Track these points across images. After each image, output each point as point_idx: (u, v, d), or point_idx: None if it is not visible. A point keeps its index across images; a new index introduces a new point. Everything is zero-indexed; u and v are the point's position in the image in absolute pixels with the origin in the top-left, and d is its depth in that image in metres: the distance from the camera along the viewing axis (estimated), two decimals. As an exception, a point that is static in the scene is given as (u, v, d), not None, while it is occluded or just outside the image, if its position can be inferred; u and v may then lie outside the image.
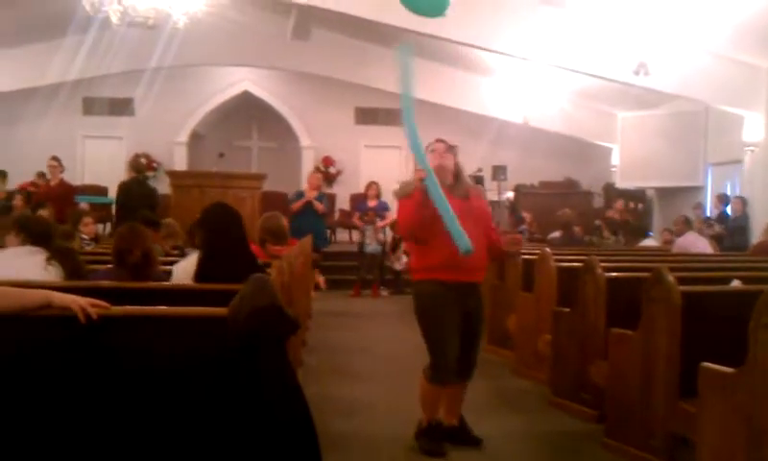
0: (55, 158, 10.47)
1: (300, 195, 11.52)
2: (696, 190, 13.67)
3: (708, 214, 12.87)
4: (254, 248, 4.65)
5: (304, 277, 7.81)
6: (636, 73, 9.36)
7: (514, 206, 15.57)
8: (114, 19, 8.77)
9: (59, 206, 9.07)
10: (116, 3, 8.58)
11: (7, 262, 4.12)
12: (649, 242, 10.18)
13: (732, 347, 3.38)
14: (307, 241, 9.14)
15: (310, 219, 11.02)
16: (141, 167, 10.36)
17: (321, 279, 11.35)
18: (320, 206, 11.20)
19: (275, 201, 14.04)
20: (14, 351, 2.74)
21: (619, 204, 14.24)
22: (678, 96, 12.28)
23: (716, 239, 10.58)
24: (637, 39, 9.08)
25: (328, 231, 13.50)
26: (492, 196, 15.51)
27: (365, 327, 8.93)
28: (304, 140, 17.05)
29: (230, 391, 2.77)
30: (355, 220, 12.23)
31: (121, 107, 16.50)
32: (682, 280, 4.16)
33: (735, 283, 5.04)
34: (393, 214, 12.06)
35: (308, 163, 16.92)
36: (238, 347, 2.75)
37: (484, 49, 11.32)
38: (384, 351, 7.47)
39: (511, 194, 15.89)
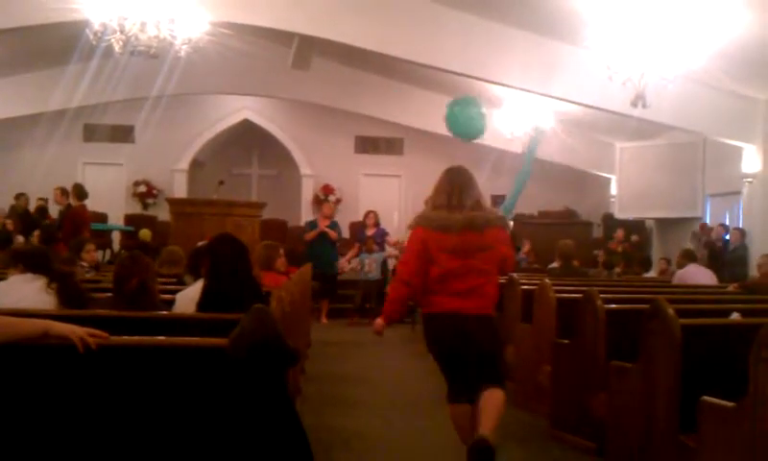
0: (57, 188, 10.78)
1: (312, 225, 11.90)
2: (695, 221, 13.69)
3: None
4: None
5: (304, 306, 7.80)
6: (634, 105, 9.39)
7: (513, 236, 15.58)
8: (117, 48, 8.81)
9: (74, 234, 9.12)
10: (119, 32, 8.62)
11: (7, 291, 4.14)
12: (648, 273, 10.21)
13: (733, 380, 3.38)
14: (307, 269, 9.14)
15: (325, 247, 11.48)
16: (84, 193, 10.61)
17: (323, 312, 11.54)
18: (333, 234, 11.75)
19: (274, 229, 14.10)
20: (13, 380, 2.74)
21: (619, 234, 14.24)
22: (676, 127, 12.35)
23: (713, 256, 10.60)
24: (635, 71, 9.15)
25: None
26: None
27: (364, 357, 8.90)
28: (304, 169, 17.11)
29: (229, 421, 2.76)
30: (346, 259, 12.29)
31: (122, 134, 16.58)
32: (681, 313, 4.16)
33: (735, 316, 5.04)
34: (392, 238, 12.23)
35: (308, 191, 17.01)
36: (238, 377, 2.75)
37: (483, 80, 11.39)
38: (383, 381, 7.44)
39: (510, 223, 15.91)
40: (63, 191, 11.12)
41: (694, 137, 13.14)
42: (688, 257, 9.21)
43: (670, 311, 4.07)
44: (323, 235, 11.71)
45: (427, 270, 4.14)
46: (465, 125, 7.40)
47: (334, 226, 12.03)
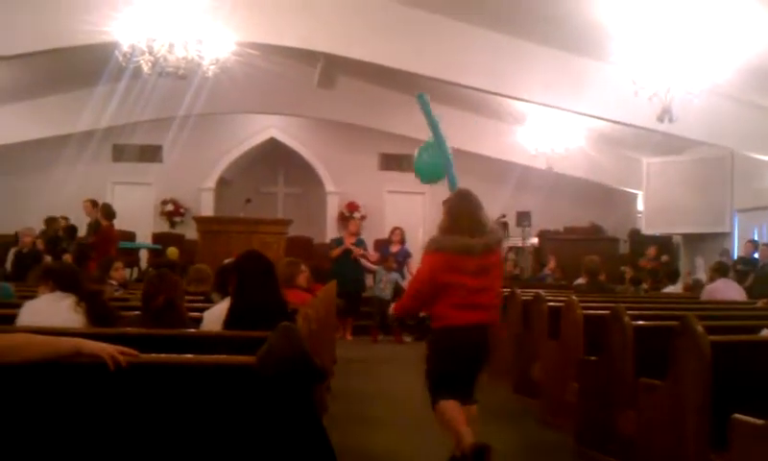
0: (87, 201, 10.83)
1: (338, 242, 12.01)
2: (723, 236, 13.55)
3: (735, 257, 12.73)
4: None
5: (329, 323, 7.83)
6: (661, 120, 9.33)
7: (538, 253, 15.51)
8: (146, 69, 8.96)
9: (101, 254, 9.20)
10: (147, 53, 8.76)
11: (39, 310, 4.21)
12: (674, 288, 10.11)
13: (764, 397, 3.34)
14: (332, 287, 9.17)
15: (349, 264, 11.51)
16: (113, 213, 10.68)
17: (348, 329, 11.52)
18: (358, 251, 11.80)
19: (300, 246, 14.16)
20: (44, 398, 2.78)
21: (651, 250, 14.09)
22: (703, 142, 12.25)
23: (741, 279, 10.45)
24: (661, 85, 9.12)
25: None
26: (516, 242, 15.51)
27: (391, 374, 8.89)
28: (329, 186, 17.19)
29: (257, 439, 2.78)
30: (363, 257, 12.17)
31: (150, 153, 16.78)
32: (710, 329, 4.12)
33: (765, 332, 4.97)
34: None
35: (333, 209, 17.07)
36: (266, 395, 2.77)
37: (507, 96, 11.41)
38: (410, 399, 7.38)
39: (535, 240, 15.84)
40: (94, 203, 11.15)
41: (722, 152, 13.01)
42: (718, 272, 9.11)
43: (699, 328, 4.03)
44: (348, 253, 11.76)
45: (441, 289, 4.49)
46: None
47: (360, 243, 12.09)
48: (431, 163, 8.87)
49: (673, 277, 10.09)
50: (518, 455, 5.43)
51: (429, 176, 9.06)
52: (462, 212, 4.60)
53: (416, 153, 9.35)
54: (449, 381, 4.53)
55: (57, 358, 2.77)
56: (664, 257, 14.16)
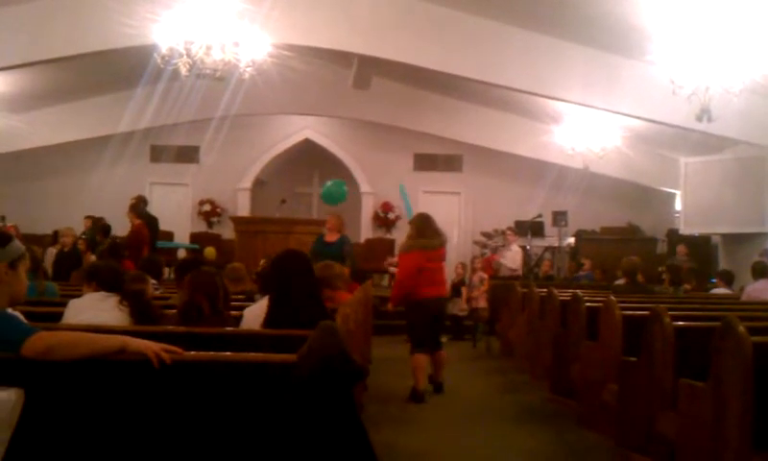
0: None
1: (318, 240, 10.34)
2: (763, 236, 13.30)
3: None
4: None
5: (366, 322, 7.86)
6: (699, 119, 9.20)
7: (574, 253, 15.38)
8: (183, 71, 9.06)
9: (134, 253, 9.30)
10: (185, 56, 8.87)
11: (83, 309, 4.29)
12: (717, 289, 9.97)
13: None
14: (368, 286, 9.19)
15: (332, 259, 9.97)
16: (144, 212, 10.66)
17: None
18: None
19: (334, 246, 14.18)
20: (90, 394, 2.83)
21: (681, 248, 13.89)
22: (742, 141, 12.06)
23: None
24: (699, 84, 8.99)
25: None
26: (552, 242, 15.41)
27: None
28: (364, 186, 17.24)
29: (298, 438, 2.81)
30: (386, 264, 12.08)
31: (187, 154, 16.99)
32: (751, 330, 4.06)
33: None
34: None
35: (368, 209, 17.12)
36: (306, 394, 2.79)
37: (544, 96, 11.34)
38: (446, 398, 7.42)
39: (572, 240, 15.72)
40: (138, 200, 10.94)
41: (761, 151, 12.77)
42: (758, 272, 8.96)
43: (741, 329, 3.98)
44: (327, 251, 9.54)
45: (419, 274, 7.12)
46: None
47: (344, 240, 10.18)
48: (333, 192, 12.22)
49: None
50: (557, 456, 5.40)
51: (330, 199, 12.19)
52: (423, 225, 7.35)
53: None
54: (421, 338, 7.14)
55: (103, 355, 2.83)
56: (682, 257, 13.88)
